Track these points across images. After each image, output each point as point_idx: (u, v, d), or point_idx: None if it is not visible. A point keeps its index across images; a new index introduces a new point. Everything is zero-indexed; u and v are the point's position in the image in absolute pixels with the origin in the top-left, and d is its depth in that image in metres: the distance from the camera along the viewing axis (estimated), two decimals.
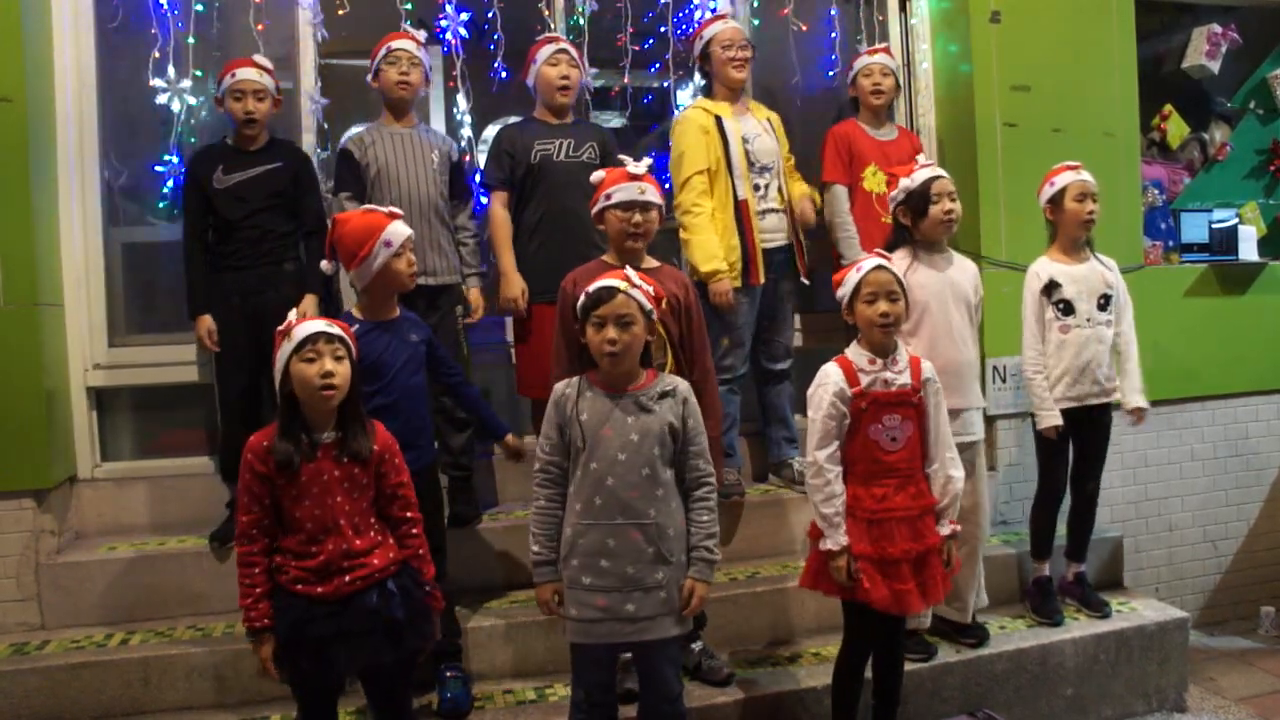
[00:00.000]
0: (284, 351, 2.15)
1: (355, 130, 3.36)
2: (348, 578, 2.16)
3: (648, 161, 2.70)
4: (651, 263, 2.79)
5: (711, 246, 3.41)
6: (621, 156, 2.76)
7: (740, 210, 3.49)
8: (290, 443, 2.14)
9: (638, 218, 2.63)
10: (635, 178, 2.64)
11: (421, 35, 3.35)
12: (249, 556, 2.17)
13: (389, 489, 2.28)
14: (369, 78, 3.34)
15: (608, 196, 2.65)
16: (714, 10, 3.97)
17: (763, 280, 3.52)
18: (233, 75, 3.18)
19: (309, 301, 3.22)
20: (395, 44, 3.25)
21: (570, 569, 2.28)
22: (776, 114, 3.76)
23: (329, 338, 2.16)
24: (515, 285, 3.37)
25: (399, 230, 2.56)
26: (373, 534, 2.23)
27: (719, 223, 3.46)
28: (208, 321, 3.23)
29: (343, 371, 2.17)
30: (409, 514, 2.31)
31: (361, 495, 2.23)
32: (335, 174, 3.33)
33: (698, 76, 3.90)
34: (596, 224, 2.77)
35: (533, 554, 2.34)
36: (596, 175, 2.74)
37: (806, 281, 3.62)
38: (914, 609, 2.55)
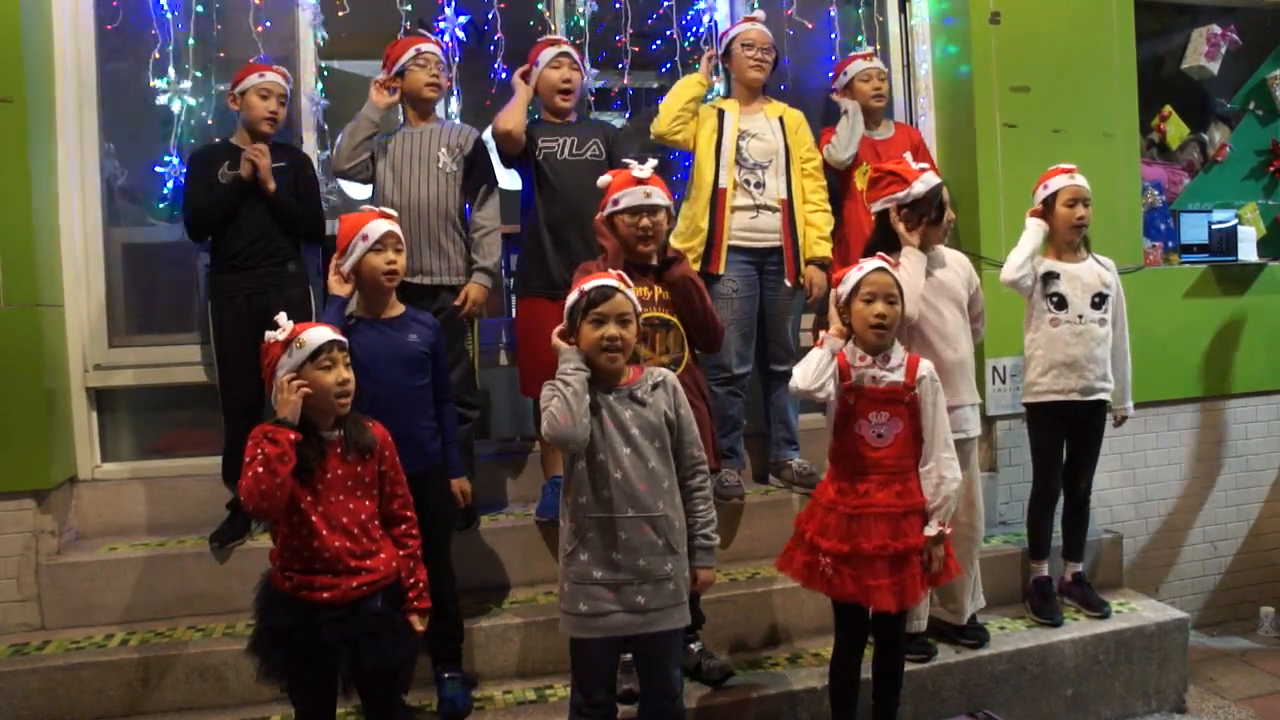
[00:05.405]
0: (297, 359, 2.18)
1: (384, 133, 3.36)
2: (354, 582, 2.19)
3: (653, 162, 2.68)
4: None
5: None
6: (626, 160, 2.74)
7: (716, 198, 3.51)
8: (308, 446, 2.18)
9: (645, 221, 2.63)
10: (640, 181, 2.63)
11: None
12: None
13: (389, 486, 2.32)
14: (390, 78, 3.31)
15: (615, 202, 2.65)
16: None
17: (723, 269, 3.51)
18: (261, 75, 3.20)
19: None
20: (425, 47, 3.28)
21: (578, 564, 2.26)
22: (798, 112, 3.73)
23: (341, 345, 2.24)
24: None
25: (378, 226, 2.58)
26: (378, 535, 2.27)
27: (692, 206, 3.55)
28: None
29: (352, 378, 2.25)
30: (408, 513, 2.37)
31: (365, 494, 2.26)
32: None
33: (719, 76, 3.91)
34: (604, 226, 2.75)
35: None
36: (603, 180, 2.72)
37: (790, 284, 3.61)
38: (884, 606, 2.50)
